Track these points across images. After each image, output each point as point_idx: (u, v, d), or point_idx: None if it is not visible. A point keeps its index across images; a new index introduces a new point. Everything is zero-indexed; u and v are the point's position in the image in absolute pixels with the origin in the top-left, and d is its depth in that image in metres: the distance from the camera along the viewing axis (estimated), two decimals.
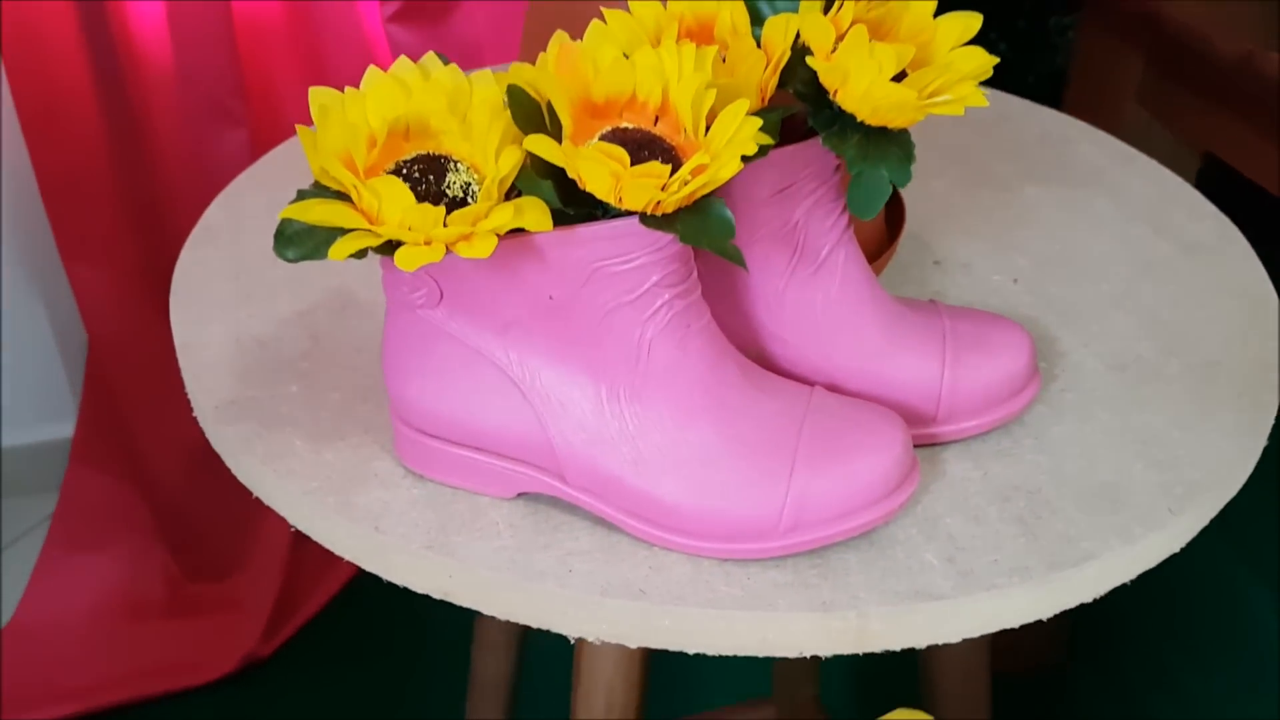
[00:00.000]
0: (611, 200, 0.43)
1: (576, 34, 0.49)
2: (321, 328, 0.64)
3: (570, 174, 0.43)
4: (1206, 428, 0.58)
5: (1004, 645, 0.78)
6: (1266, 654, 1.28)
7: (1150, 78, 1.20)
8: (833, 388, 0.55)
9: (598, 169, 0.42)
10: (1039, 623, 0.50)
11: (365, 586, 1.39)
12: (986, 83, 0.88)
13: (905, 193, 0.72)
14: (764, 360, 0.56)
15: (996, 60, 0.50)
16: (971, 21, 0.50)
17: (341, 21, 1.25)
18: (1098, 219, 0.75)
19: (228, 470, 0.57)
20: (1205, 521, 0.55)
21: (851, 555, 0.50)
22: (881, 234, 0.68)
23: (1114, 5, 1.17)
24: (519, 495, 0.53)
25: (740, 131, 0.43)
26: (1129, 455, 0.56)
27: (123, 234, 1.31)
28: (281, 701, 1.27)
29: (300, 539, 1.37)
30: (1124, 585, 0.52)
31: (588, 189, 0.43)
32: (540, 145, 0.42)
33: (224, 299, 0.66)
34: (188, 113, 1.22)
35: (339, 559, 1.41)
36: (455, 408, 0.51)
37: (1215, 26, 0.93)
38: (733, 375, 0.50)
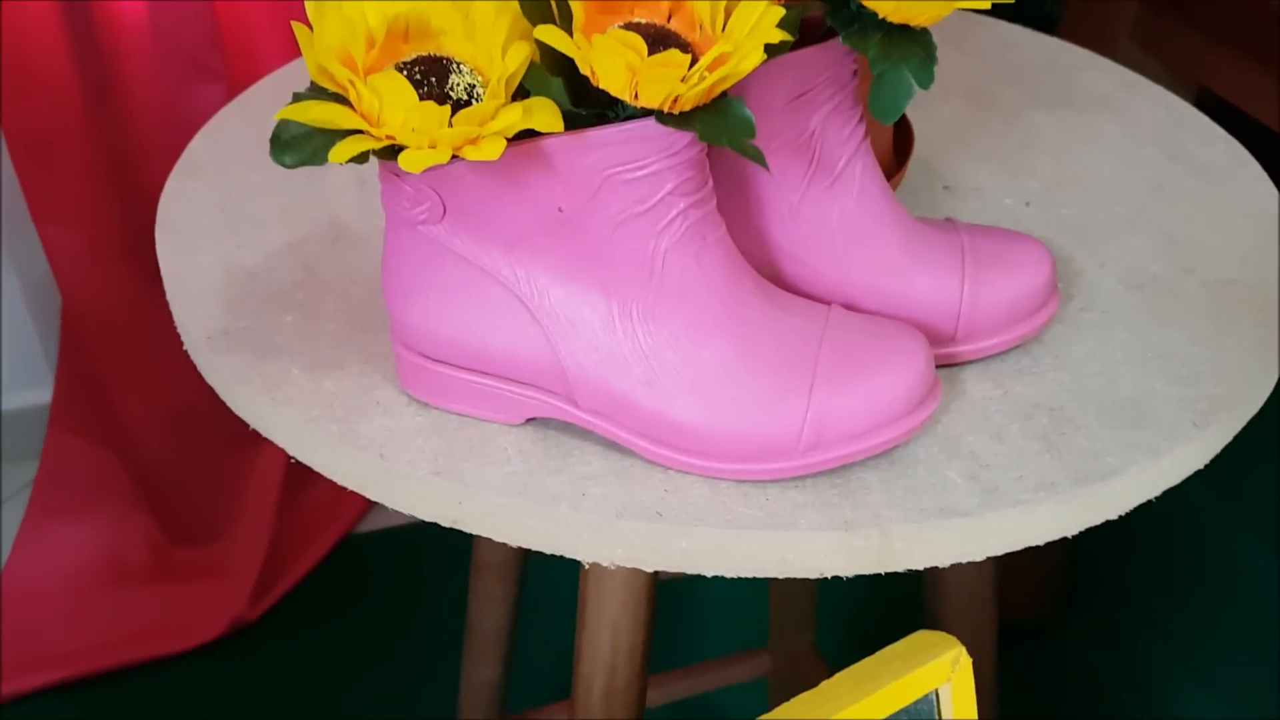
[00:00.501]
0: (627, 95, 0.41)
1: None
2: (314, 259, 0.61)
3: (582, 68, 0.41)
4: (1226, 343, 0.56)
5: (996, 594, 0.78)
6: (1258, 603, 1.28)
7: (1145, 13, 1.18)
8: (849, 306, 0.53)
9: (613, 59, 0.40)
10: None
11: (353, 549, 1.38)
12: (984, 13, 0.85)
13: (912, 119, 0.70)
14: (777, 279, 0.54)
15: None
16: None
17: None
18: (1107, 143, 0.73)
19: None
20: (1229, 437, 0.53)
21: (872, 474, 0.49)
22: (889, 159, 0.67)
23: None
24: (528, 421, 0.51)
25: (763, 20, 0.41)
26: (1150, 371, 0.55)
27: (97, 193, 1.27)
28: (271, 665, 1.25)
29: (286, 501, 1.35)
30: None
31: (601, 84, 0.41)
32: (551, 35, 0.40)
33: (211, 230, 0.63)
34: (162, 67, 1.19)
35: (326, 521, 1.40)
36: (460, 330, 0.49)
37: None
38: (749, 290, 0.48)
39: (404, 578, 1.34)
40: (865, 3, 0.46)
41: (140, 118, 1.23)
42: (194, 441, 1.29)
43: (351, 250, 0.62)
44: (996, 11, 0.86)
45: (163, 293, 0.59)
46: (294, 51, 1.26)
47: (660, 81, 0.40)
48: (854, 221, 0.53)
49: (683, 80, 0.40)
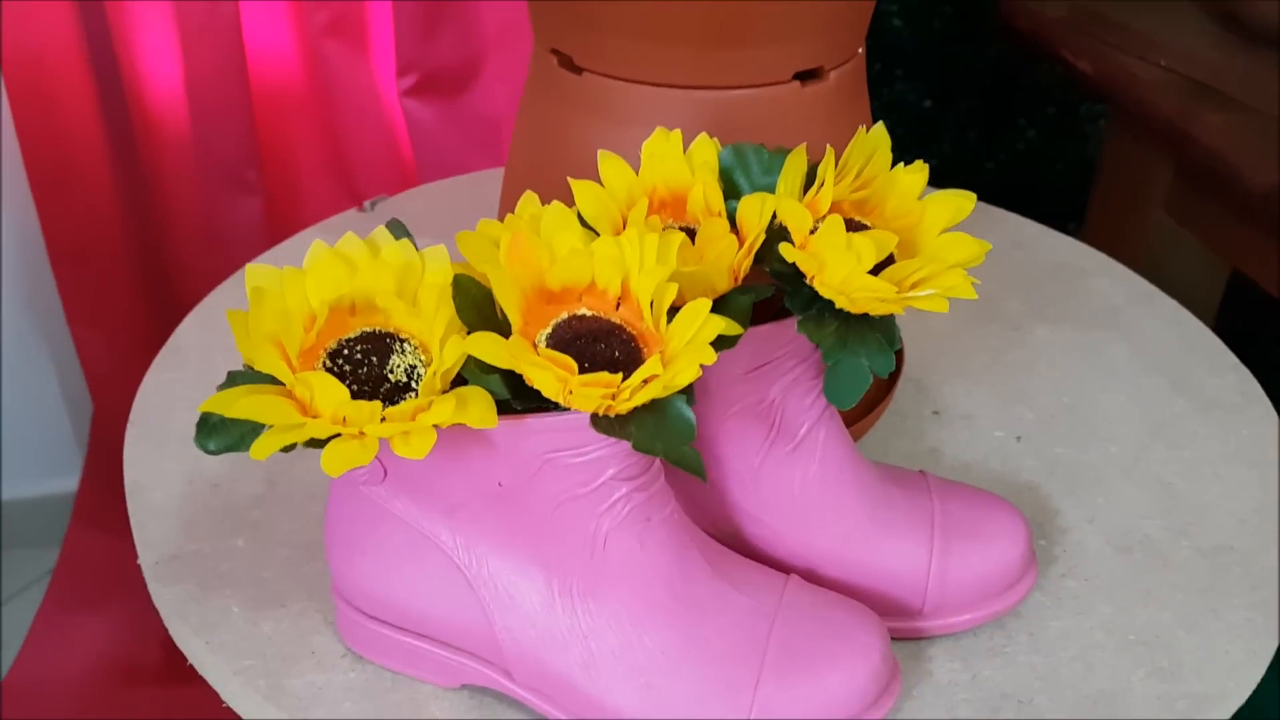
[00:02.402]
0: (561, 401, 0.40)
1: (558, 156, 0.46)
2: (278, 469, 0.60)
3: (518, 371, 0.40)
4: (1215, 628, 0.53)
5: None
6: None
7: (1178, 188, 1.16)
8: (810, 573, 0.51)
9: (545, 375, 0.39)
10: None
11: None
12: (1011, 175, 0.83)
13: (905, 328, 0.68)
14: (739, 540, 0.52)
15: (989, 247, 0.46)
16: (963, 202, 0.47)
17: (359, 93, 1.24)
18: (1111, 367, 0.71)
19: None
20: None
21: None
22: (878, 380, 0.65)
23: (1141, 114, 1.13)
24: (463, 686, 0.49)
25: (700, 334, 0.40)
26: (1130, 660, 0.51)
27: (132, 302, 1.29)
28: None
29: None
30: None
31: (536, 388, 0.40)
32: (484, 347, 0.39)
33: (183, 432, 0.63)
34: (202, 180, 1.21)
35: None
36: (398, 591, 0.48)
37: (1243, 154, 0.89)
38: (698, 569, 0.46)
39: None
40: (821, 293, 0.44)
41: (178, 229, 1.25)
42: None
43: (316, 458, 0.61)
44: (1026, 165, 0.82)
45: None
46: (333, 170, 1.28)
47: (590, 397, 0.38)
48: (817, 487, 0.51)
49: (613, 396, 0.39)
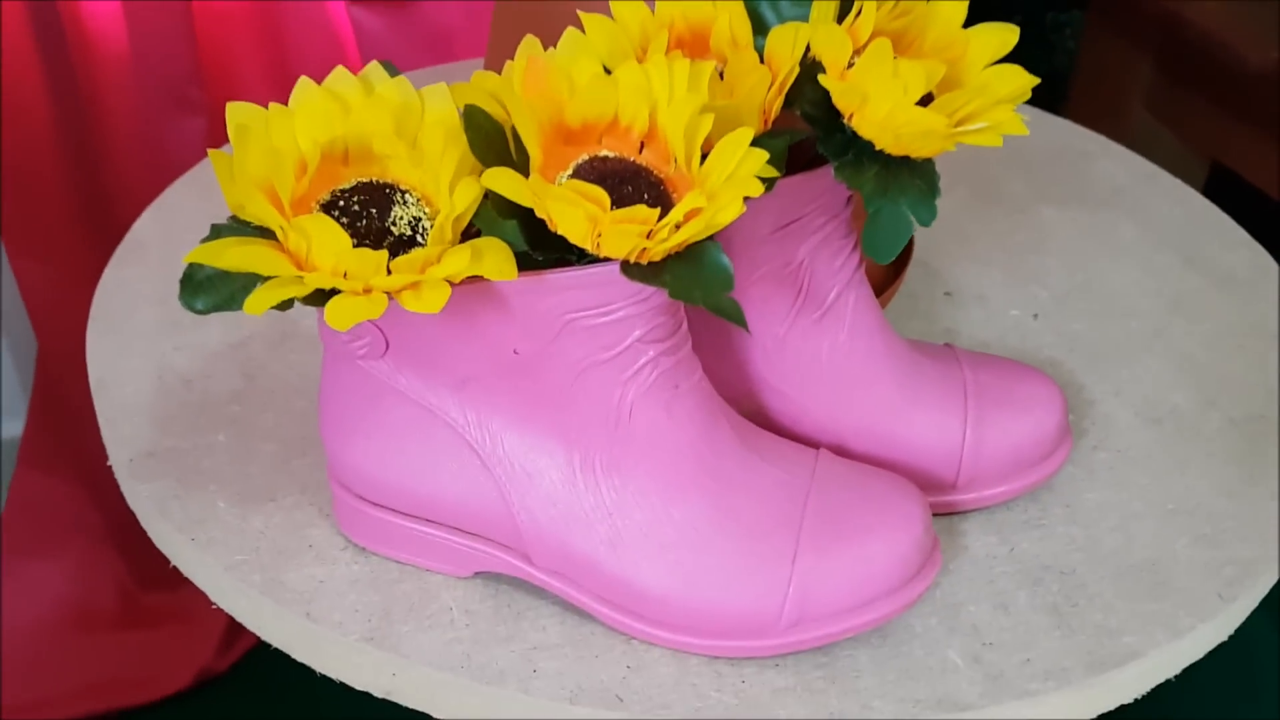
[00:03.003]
0: (589, 246, 0.36)
1: (550, 38, 0.42)
2: (256, 363, 0.56)
3: (539, 214, 0.36)
4: (1255, 494, 0.51)
5: None
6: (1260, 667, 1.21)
7: (1160, 83, 1.14)
8: (839, 448, 0.48)
9: (572, 212, 0.35)
10: None
11: None
12: None
13: None
14: (761, 416, 0.49)
15: (1037, 81, 0.43)
16: (1008, 35, 0.43)
17: (304, 4, 1.17)
18: (1121, 246, 0.68)
19: None
20: (1255, 603, 0.48)
21: (863, 653, 0.43)
22: (888, 263, 0.61)
23: (1123, 7, 1.11)
24: (476, 574, 0.46)
25: (742, 166, 0.36)
26: (1172, 528, 0.49)
27: (73, 229, 1.23)
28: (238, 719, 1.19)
29: None
30: None
31: (560, 232, 0.36)
32: (503, 182, 0.35)
33: (148, 327, 0.58)
34: (142, 100, 1.15)
35: None
36: (403, 474, 0.44)
37: (1240, 34, 0.86)
38: (726, 441, 0.43)
39: None
40: (861, 132, 0.41)
41: (119, 153, 1.18)
42: None
43: (298, 353, 0.57)
44: None
45: None
46: (280, 85, 1.22)
47: (624, 236, 0.35)
48: (845, 357, 0.48)
49: (649, 235, 0.35)
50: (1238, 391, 0.57)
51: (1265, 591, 0.48)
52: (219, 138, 1.22)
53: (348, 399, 0.44)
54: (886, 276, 0.61)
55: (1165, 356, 0.59)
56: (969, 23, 0.43)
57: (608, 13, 0.42)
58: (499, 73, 0.40)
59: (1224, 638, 0.47)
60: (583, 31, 0.41)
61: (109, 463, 0.52)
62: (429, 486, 0.44)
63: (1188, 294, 0.64)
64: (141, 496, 0.49)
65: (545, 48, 0.52)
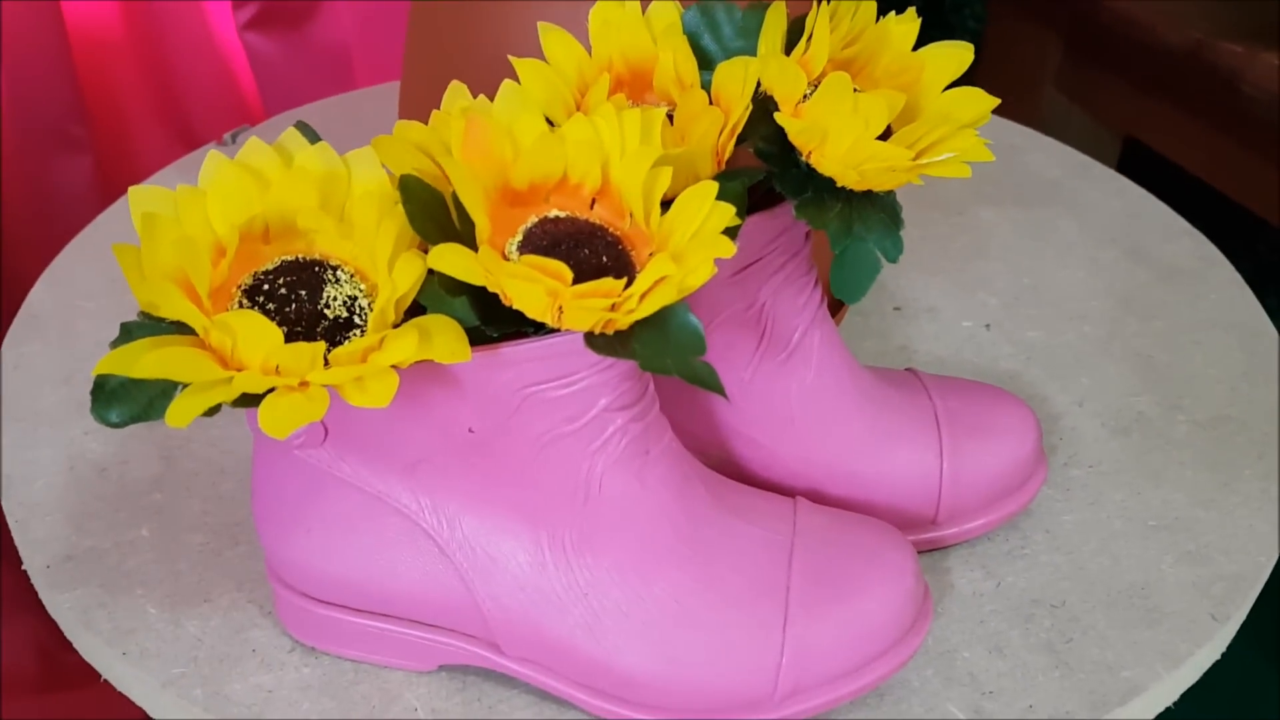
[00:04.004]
0: (549, 321, 0.33)
1: (469, 45, 0.39)
2: (175, 442, 0.52)
3: (492, 288, 0.33)
4: (1231, 503, 0.50)
5: None
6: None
7: (1070, 62, 1.14)
8: (815, 493, 0.46)
9: (531, 289, 0.32)
10: None
11: None
12: None
13: None
14: (730, 465, 0.46)
15: (998, 102, 0.41)
16: (963, 54, 0.41)
17: (190, 28, 1.11)
18: (1064, 243, 0.67)
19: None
20: (1244, 616, 0.47)
21: (860, 716, 0.41)
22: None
23: None
24: (440, 667, 0.42)
25: (708, 223, 0.33)
26: (1155, 547, 0.48)
27: None
28: None
29: None
30: None
31: (517, 308, 0.33)
32: (452, 262, 0.32)
33: (55, 410, 0.53)
34: (21, 140, 1.08)
35: None
36: (352, 568, 0.41)
37: (1158, 14, 0.86)
38: (702, 504, 0.40)
39: None
40: (820, 169, 0.38)
41: (1, 196, 1.11)
42: None
43: (220, 426, 0.52)
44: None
45: None
46: (170, 118, 1.16)
47: (588, 312, 0.32)
48: (814, 397, 0.45)
49: (613, 308, 0.32)
50: (1200, 392, 0.56)
51: (1251, 603, 0.47)
52: (106, 176, 1.16)
53: (284, 491, 0.40)
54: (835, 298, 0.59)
55: (1123, 359, 0.58)
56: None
57: (530, 25, 0.39)
58: (417, 93, 0.36)
59: (1218, 657, 0.46)
60: (516, 80, 0.37)
61: (23, 567, 0.47)
62: (381, 579, 0.41)
63: (1136, 290, 0.63)
64: (63, 607, 0.45)
65: (465, 56, 0.49)
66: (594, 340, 0.33)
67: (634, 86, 0.40)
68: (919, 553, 0.47)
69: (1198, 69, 0.85)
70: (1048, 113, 1.19)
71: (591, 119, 0.34)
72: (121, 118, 1.15)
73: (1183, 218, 0.69)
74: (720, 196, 0.36)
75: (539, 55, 0.40)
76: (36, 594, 0.47)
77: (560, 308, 0.32)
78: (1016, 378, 0.57)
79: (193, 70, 1.13)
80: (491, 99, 0.38)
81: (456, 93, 0.40)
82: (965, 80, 0.41)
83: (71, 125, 1.11)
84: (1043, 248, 0.67)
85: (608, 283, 0.31)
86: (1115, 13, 0.91)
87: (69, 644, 0.45)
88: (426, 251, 0.33)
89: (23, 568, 0.47)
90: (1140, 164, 1.12)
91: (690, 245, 0.33)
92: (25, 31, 1.03)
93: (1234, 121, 0.88)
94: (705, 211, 0.33)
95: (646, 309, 0.32)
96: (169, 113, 1.16)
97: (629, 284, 0.33)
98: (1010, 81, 1.22)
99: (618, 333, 0.34)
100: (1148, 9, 0.88)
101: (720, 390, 0.34)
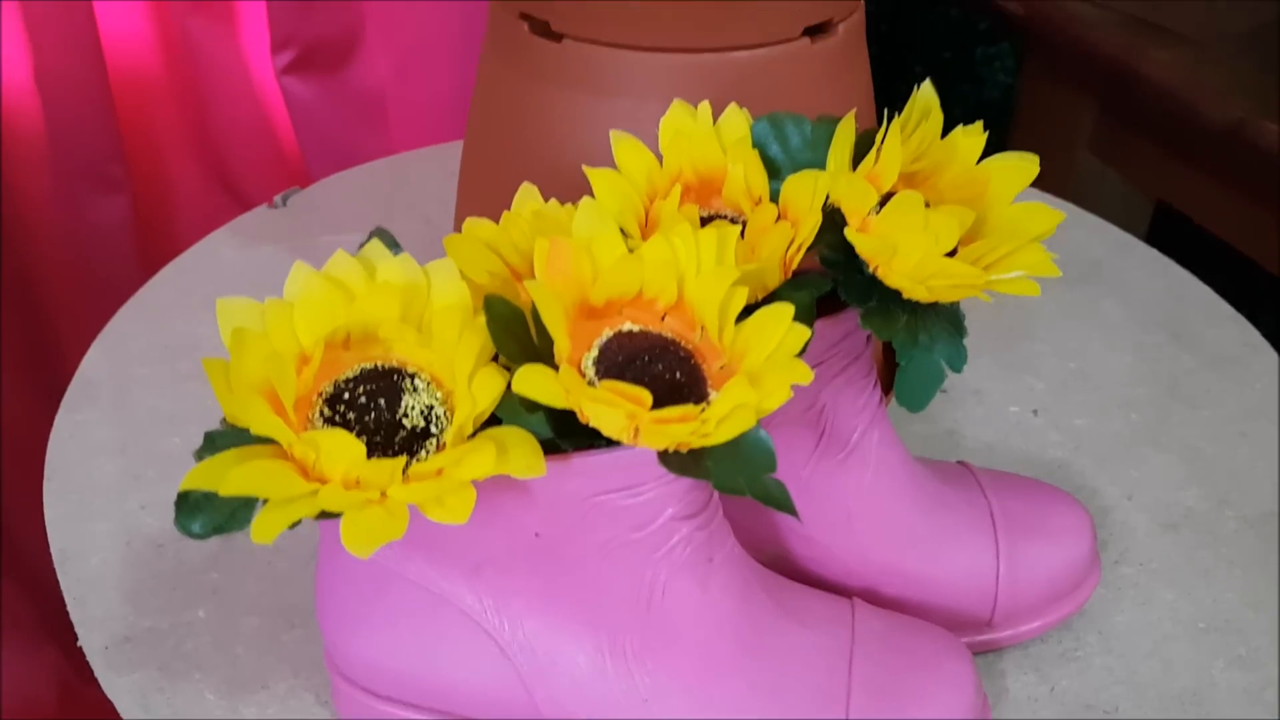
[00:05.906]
0: (625, 440, 0.33)
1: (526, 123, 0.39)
2: None
3: (571, 408, 0.33)
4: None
5: None
6: None
7: (1104, 124, 1.14)
8: (870, 593, 0.46)
9: (611, 412, 0.32)
10: None
11: None
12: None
13: None
14: (786, 562, 0.46)
15: (1062, 217, 0.41)
16: (1029, 166, 0.41)
17: (230, 72, 1.13)
18: (1109, 324, 0.67)
19: None
20: None
21: None
22: (880, 365, 0.60)
23: (1064, 54, 1.11)
24: None
25: (784, 345, 0.34)
26: (1206, 650, 0.48)
27: None
28: None
29: None
30: None
31: (594, 426, 0.33)
32: (534, 385, 0.32)
33: (109, 483, 0.54)
34: (61, 180, 1.09)
35: None
36: (413, 665, 0.41)
37: (1199, 90, 0.87)
38: (764, 610, 0.41)
39: None
40: (888, 282, 0.39)
41: (37, 236, 1.13)
42: None
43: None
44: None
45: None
46: (207, 160, 1.17)
47: (666, 435, 0.32)
48: (871, 497, 0.45)
49: (692, 432, 0.32)
50: (1247, 487, 0.56)
51: None
52: (143, 217, 1.17)
53: (350, 587, 0.41)
54: (883, 378, 0.59)
55: (1170, 450, 0.58)
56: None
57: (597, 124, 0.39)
58: (474, 174, 0.36)
59: None
60: (590, 194, 0.38)
61: (79, 644, 0.48)
62: (442, 676, 0.41)
63: (1183, 377, 0.63)
64: (122, 691, 0.45)
65: (529, 151, 0.49)
66: (668, 459, 0.34)
67: (701, 193, 0.41)
68: (975, 655, 0.47)
69: (1238, 145, 0.86)
70: (1082, 172, 1.20)
71: (669, 239, 0.35)
72: (159, 159, 1.16)
73: (1225, 300, 0.69)
74: (804, 327, 0.36)
75: (603, 156, 0.40)
76: (59, 627, 0.47)
77: (637, 429, 0.32)
78: (1065, 467, 0.57)
79: (231, 113, 1.15)
80: (549, 193, 0.39)
81: (527, 194, 0.41)
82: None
83: (110, 165, 1.12)
84: (1088, 329, 0.67)
85: (687, 409, 0.32)
86: (1154, 84, 0.91)
87: (90, 677, 0.45)
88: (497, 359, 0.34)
89: (78, 644, 0.48)
90: (1174, 225, 1.12)
91: (766, 367, 0.33)
92: (67, 71, 1.04)
93: (1273, 197, 0.88)
94: (781, 333, 0.34)
95: (723, 435, 0.32)
96: (207, 155, 1.17)
97: (702, 400, 0.34)
98: (1044, 142, 1.23)
99: (691, 451, 0.34)
100: (1188, 82, 0.88)
101: (792, 510, 0.34)
